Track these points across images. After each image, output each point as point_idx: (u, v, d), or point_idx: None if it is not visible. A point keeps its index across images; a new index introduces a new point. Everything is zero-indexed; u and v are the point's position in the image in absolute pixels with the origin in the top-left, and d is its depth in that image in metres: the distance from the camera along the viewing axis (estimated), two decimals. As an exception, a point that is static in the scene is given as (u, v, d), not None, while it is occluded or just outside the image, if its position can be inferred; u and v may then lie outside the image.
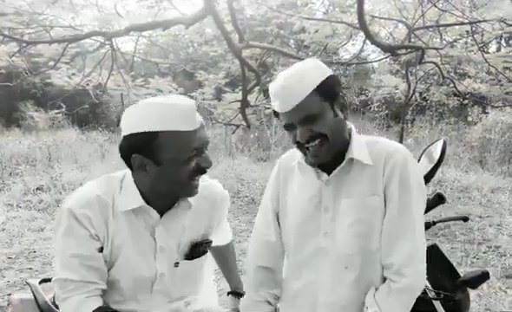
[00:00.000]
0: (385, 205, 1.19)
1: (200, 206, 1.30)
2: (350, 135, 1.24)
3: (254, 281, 1.39)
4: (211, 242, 1.38)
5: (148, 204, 1.20)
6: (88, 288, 1.16)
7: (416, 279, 1.19)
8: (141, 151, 1.10)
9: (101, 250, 1.19)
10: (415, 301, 1.24)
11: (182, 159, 1.10)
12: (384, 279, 1.22)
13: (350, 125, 1.26)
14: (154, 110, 1.08)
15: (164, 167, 1.11)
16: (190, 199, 1.24)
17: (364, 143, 1.24)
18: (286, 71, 1.18)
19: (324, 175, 1.24)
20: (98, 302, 1.17)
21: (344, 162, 1.21)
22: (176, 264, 1.28)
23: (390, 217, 1.19)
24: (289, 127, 1.19)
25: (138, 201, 1.19)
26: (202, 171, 1.16)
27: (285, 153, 1.40)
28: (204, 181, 1.33)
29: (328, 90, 1.16)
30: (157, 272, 1.25)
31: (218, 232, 1.53)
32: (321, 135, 1.16)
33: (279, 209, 1.36)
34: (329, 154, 1.19)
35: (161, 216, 1.23)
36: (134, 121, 1.10)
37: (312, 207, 1.26)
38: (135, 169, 1.15)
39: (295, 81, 1.14)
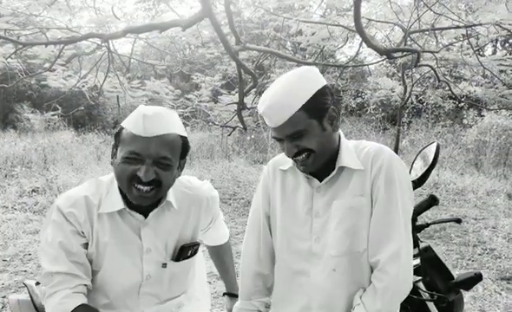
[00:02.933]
0: (372, 205, 1.21)
1: (187, 207, 1.33)
2: (339, 141, 1.26)
3: (249, 287, 1.39)
4: (199, 244, 1.39)
5: (131, 205, 1.24)
6: (74, 282, 1.18)
7: (400, 277, 1.18)
8: (115, 140, 1.23)
9: (86, 246, 1.23)
10: (407, 301, 1.24)
11: (122, 156, 1.16)
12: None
13: (338, 131, 1.27)
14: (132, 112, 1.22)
15: (115, 160, 1.20)
16: (172, 201, 1.28)
17: (353, 148, 1.25)
18: (274, 86, 1.18)
19: (316, 181, 1.25)
20: (82, 300, 1.18)
21: (335, 171, 1.23)
22: (164, 265, 1.30)
23: (376, 215, 1.20)
24: (278, 140, 1.22)
25: (119, 204, 1.23)
26: (138, 179, 1.15)
27: (275, 157, 1.39)
28: (191, 182, 1.37)
29: (315, 107, 1.16)
30: (143, 273, 1.27)
31: (213, 232, 1.54)
32: (307, 149, 1.18)
33: (270, 212, 1.37)
34: (316, 165, 1.22)
35: (146, 217, 1.26)
36: None
37: (304, 212, 1.27)
38: (111, 157, 1.24)
39: (280, 100, 1.14)
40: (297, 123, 1.15)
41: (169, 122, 1.18)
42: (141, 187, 1.16)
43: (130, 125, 1.17)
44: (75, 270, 1.19)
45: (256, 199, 1.41)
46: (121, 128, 1.20)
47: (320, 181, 1.25)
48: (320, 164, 1.22)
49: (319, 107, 1.17)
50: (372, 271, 1.22)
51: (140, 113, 1.16)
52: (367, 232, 1.21)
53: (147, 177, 1.15)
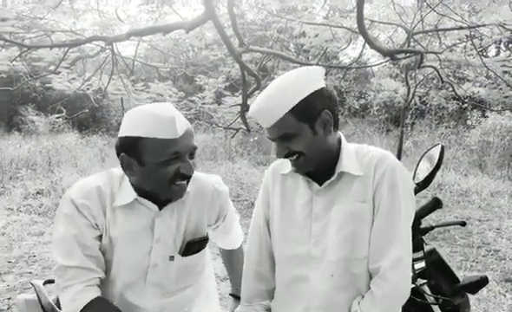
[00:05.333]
0: (374, 212, 1.20)
1: (191, 201, 1.34)
2: (340, 145, 1.24)
3: (250, 290, 1.39)
4: (207, 239, 1.40)
5: (146, 198, 1.26)
6: (87, 276, 1.19)
7: (400, 285, 1.18)
8: (127, 151, 1.20)
9: (99, 238, 1.24)
10: (412, 304, 1.23)
11: (160, 162, 1.17)
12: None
13: (339, 134, 1.26)
14: (140, 117, 1.18)
15: (146, 168, 1.19)
16: (190, 191, 1.30)
17: (354, 153, 1.24)
18: (266, 89, 1.18)
19: (315, 185, 1.25)
20: (96, 293, 1.20)
21: (335, 176, 1.22)
22: (171, 258, 1.32)
23: (378, 222, 1.19)
24: (271, 140, 1.22)
25: (131, 196, 1.25)
26: (183, 176, 1.20)
27: (276, 161, 1.37)
28: (195, 174, 1.34)
29: (305, 111, 1.15)
30: (150, 262, 1.29)
31: (224, 233, 1.55)
32: (297, 152, 1.18)
33: (269, 216, 1.36)
34: (308, 167, 1.22)
35: (160, 209, 1.29)
36: (124, 125, 1.21)
37: (303, 216, 1.26)
38: (124, 167, 1.23)
39: (268, 103, 1.15)
40: (284, 127, 1.15)
41: (181, 114, 1.22)
42: (182, 183, 1.22)
43: (156, 132, 1.14)
44: (88, 264, 1.20)
45: (257, 204, 1.41)
46: (137, 138, 1.16)
47: (320, 185, 1.24)
48: (314, 166, 1.21)
49: (310, 111, 1.15)
50: (371, 277, 1.21)
51: (165, 118, 1.14)
52: (368, 239, 1.20)
53: (191, 170, 1.21)
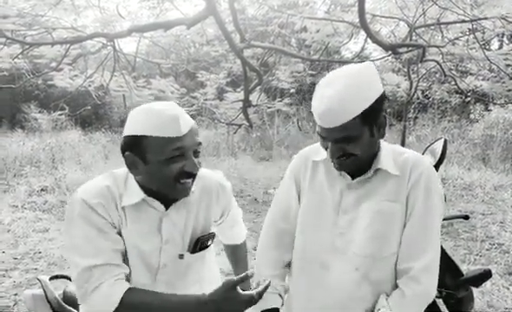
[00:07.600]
0: (406, 213, 1.20)
1: (198, 197, 1.34)
2: (379, 145, 1.25)
3: (268, 258, 1.39)
4: (214, 234, 1.41)
5: (153, 197, 1.25)
6: (114, 271, 1.17)
7: (430, 288, 1.20)
8: (131, 150, 1.19)
9: (119, 234, 1.23)
10: None
11: (164, 160, 1.16)
12: (396, 285, 1.23)
13: None
14: (144, 116, 1.18)
15: (151, 166, 1.18)
16: (195, 190, 1.29)
17: (391, 152, 1.25)
18: (333, 86, 1.12)
19: (348, 178, 1.25)
20: (127, 284, 1.18)
21: (371, 173, 1.23)
22: (181, 256, 1.32)
23: (412, 223, 1.20)
24: (322, 137, 1.19)
25: (139, 195, 1.24)
26: (188, 174, 1.19)
27: (305, 148, 1.38)
28: (201, 171, 1.33)
29: (371, 115, 1.12)
30: (160, 262, 1.29)
31: (228, 228, 1.55)
32: (352, 154, 1.17)
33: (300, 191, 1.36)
34: (354, 167, 1.21)
35: (167, 208, 1.28)
36: (128, 124, 1.21)
37: (331, 206, 1.27)
38: (128, 166, 1.22)
39: (338, 105, 1.10)
40: (349, 130, 1.12)
41: (184, 111, 1.21)
42: (187, 181, 1.20)
43: (160, 130, 1.14)
44: (114, 260, 1.18)
45: (284, 183, 1.41)
46: (141, 136, 1.16)
47: (352, 178, 1.24)
48: (357, 166, 1.21)
49: (374, 115, 1.13)
50: (396, 276, 1.22)
51: (169, 116, 1.15)
52: (396, 238, 1.21)
53: (196, 168, 1.19)
